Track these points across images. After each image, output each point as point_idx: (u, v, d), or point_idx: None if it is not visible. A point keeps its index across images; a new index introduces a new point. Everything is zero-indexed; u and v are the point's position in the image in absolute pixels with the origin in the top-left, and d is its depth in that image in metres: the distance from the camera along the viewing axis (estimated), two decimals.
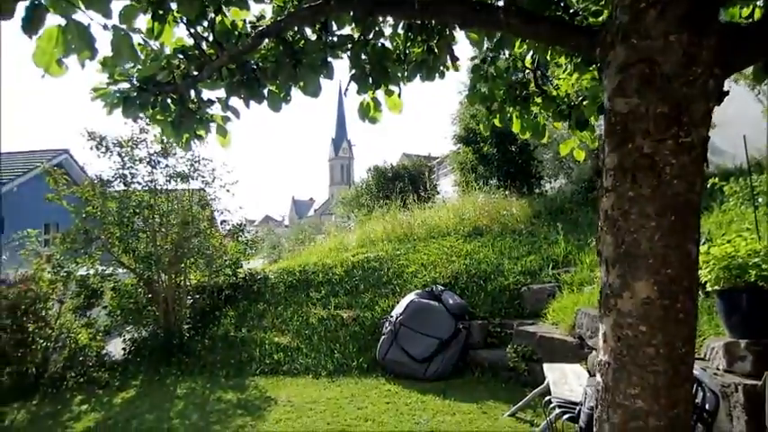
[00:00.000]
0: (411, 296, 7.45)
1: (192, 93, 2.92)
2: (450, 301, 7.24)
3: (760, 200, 5.21)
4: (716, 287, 3.46)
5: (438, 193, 16.03)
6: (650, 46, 1.38)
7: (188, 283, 8.42)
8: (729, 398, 3.16)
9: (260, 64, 2.77)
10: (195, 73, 2.80)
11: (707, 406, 2.88)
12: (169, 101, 2.95)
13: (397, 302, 7.61)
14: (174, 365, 7.32)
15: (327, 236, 12.24)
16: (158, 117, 2.95)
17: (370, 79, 2.49)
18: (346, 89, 2.54)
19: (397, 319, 7.06)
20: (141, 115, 2.91)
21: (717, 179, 5.41)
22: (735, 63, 1.43)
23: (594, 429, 1.53)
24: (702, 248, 3.70)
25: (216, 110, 2.97)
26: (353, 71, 2.53)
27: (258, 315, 8.51)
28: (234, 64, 2.73)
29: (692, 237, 1.39)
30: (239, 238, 9.61)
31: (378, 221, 11.36)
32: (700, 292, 4.18)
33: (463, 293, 7.83)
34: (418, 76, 3.04)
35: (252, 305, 8.83)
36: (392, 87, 2.59)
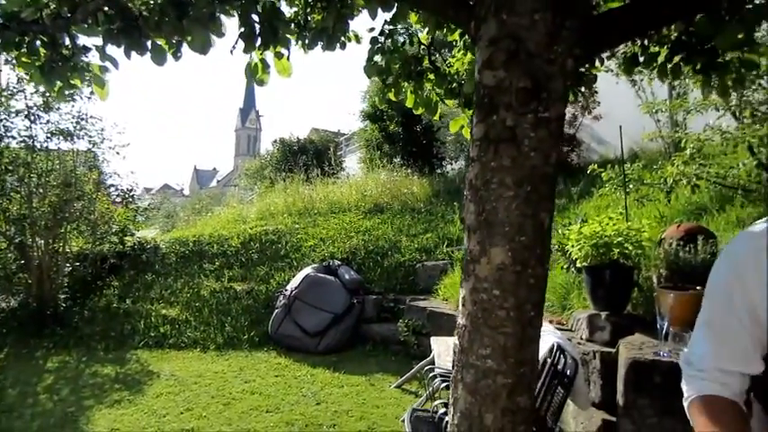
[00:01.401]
0: (307, 270, 7.42)
1: (66, 37, 2.69)
2: (347, 276, 7.30)
3: (631, 186, 5.68)
4: (584, 263, 3.74)
5: (343, 169, 16.00)
6: (517, 22, 1.43)
7: (68, 250, 7.83)
8: (588, 364, 3.45)
9: (143, 12, 2.59)
10: (68, 15, 2.57)
11: (567, 372, 3.11)
12: (39, 43, 2.69)
13: (294, 276, 7.56)
14: (46, 338, 6.82)
15: (226, 207, 11.86)
16: (24, 60, 2.69)
17: (259, 39, 2.40)
18: (233, 48, 2.44)
19: (291, 292, 7.01)
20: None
21: (596, 166, 5.81)
22: (596, 45, 1.52)
23: (450, 389, 1.60)
24: (576, 228, 3.99)
25: (94, 58, 2.76)
26: (242, 29, 2.42)
27: (145, 286, 8.11)
28: (112, 9, 2.54)
29: (545, 207, 1.47)
30: (129, 205, 9.07)
31: (279, 194, 11.17)
32: (572, 268, 4.51)
33: (360, 269, 7.92)
34: (319, 44, 2.98)
35: (139, 275, 8.40)
36: (282, 50, 2.51)
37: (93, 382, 5.52)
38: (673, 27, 2.43)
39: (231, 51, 2.44)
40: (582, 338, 3.67)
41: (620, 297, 3.62)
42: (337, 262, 7.78)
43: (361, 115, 14.37)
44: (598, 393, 3.33)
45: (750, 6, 2.19)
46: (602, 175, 5.78)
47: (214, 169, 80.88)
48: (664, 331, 2.85)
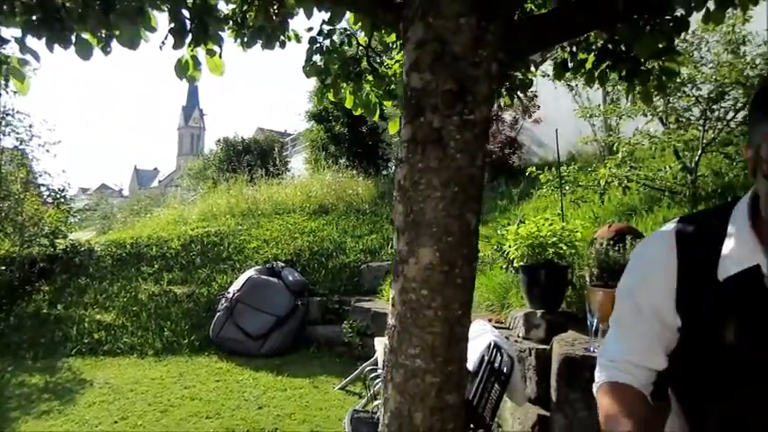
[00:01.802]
0: (250, 272, 7.30)
1: None
2: (290, 278, 7.22)
3: (567, 188, 5.88)
4: (521, 263, 3.84)
5: (289, 169, 15.83)
6: (443, 26, 1.45)
7: None
8: (525, 361, 3.54)
9: (66, 4, 2.47)
10: None
11: (504, 369, 3.18)
12: None
13: (236, 278, 7.41)
14: None
15: (167, 208, 11.52)
16: None
17: (190, 36, 2.34)
18: (162, 44, 2.36)
19: (233, 295, 6.88)
20: None
21: (534, 168, 5.98)
22: (518, 50, 1.55)
23: (381, 390, 1.61)
24: (513, 228, 4.09)
25: (13, 50, 2.62)
26: (172, 25, 2.35)
27: (79, 290, 7.76)
28: None
29: (472, 208, 1.50)
30: (61, 206, 8.65)
31: (222, 195, 10.93)
32: (510, 268, 4.62)
33: (304, 270, 7.86)
34: (258, 43, 2.94)
35: (72, 280, 8.03)
36: (214, 47, 2.46)
37: (19, 393, 5.23)
38: (599, 35, 2.53)
39: (161, 47, 2.37)
40: (519, 336, 3.77)
41: (555, 295, 3.74)
42: (281, 264, 7.68)
43: (306, 115, 14.26)
44: (534, 389, 3.42)
45: (668, 18, 2.31)
46: (540, 177, 5.95)
47: (155, 169, 78.39)
48: (594, 327, 2.96)
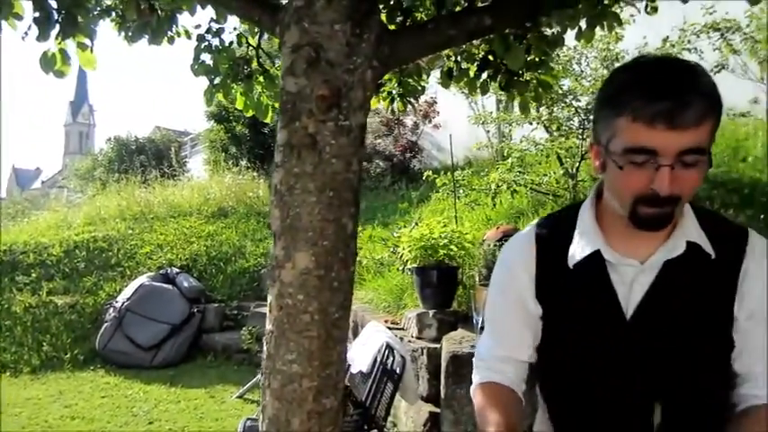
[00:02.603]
0: (142, 279, 6.93)
1: None
2: (186, 284, 6.94)
3: (461, 191, 6.12)
4: (414, 265, 3.94)
5: (187, 171, 15.21)
6: (318, 31, 1.46)
7: None
8: (417, 360, 3.64)
9: None
10: None
11: (397, 369, 3.25)
12: None
13: (126, 286, 7.00)
14: None
15: (48, 211, 10.65)
16: None
17: (57, 27, 2.18)
18: (25, 34, 2.19)
19: (123, 304, 6.50)
20: None
21: (431, 172, 6.17)
22: (393, 59, 1.60)
23: (260, 398, 1.59)
24: (407, 231, 4.20)
25: None
26: (36, 14, 2.18)
27: None
28: None
29: (348, 212, 1.52)
30: None
31: (112, 197, 10.28)
32: (405, 269, 4.73)
33: (201, 276, 7.58)
34: (145, 38, 2.80)
35: None
36: (85, 41, 2.31)
37: None
38: (480, 46, 2.67)
39: (23, 38, 2.19)
40: (412, 336, 3.87)
41: (446, 295, 3.87)
42: (176, 270, 7.36)
43: (206, 115, 13.76)
44: (426, 388, 3.52)
45: (543, 33, 2.48)
46: (437, 180, 6.15)
47: (38, 169, 72.26)
48: (479, 325, 3.09)
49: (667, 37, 5.72)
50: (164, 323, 6.46)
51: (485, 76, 2.73)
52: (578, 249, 1.14)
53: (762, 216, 4.78)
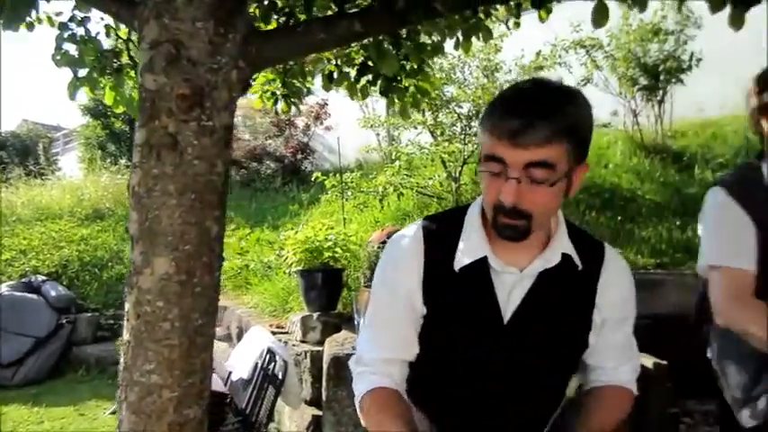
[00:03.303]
0: (1, 289, 6.28)
1: None
2: (53, 293, 6.38)
3: (350, 193, 6.17)
4: (299, 267, 3.91)
5: (59, 169, 13.99)
6: (179, 28, 1.41)
7: None
8: (301, 364, 3.61)
9: None
10: None
11: (278, 374, 3.20)
12: None
13: None
14: None
15: None
16: None
17: None
18: None
19: None
20: None
21: (320, 174, 6.16)
22: (262, 60, 1.58)
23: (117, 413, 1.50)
24: (292, 233, 4.16)
25: None
26: None
27: None
28: None
29: (212, 215, 1.48)
30: None
31: None
32: (291, 272, 4.68)
33: (72, 284, 7.01)
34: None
35: None
36: None
37: None
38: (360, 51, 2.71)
39: None
40: (297, 340, 3.83)
41: (331, 298, 3.88)
42: (41, 278, 6.73)
43: (81, 109, 12.75)
44: (309, 391, 3.50)
45: (412, 41, 2.57)
46: (326, 183, 6.15)
47: None
48: (360, 327, 3.14)
49: (540, 51, 6.14)
50: (27, 336, 5.89)
51: (364, 80, 2.77)
52: (465, 254, 1.19)
53: (619, 218, 5.29)
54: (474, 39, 2.70)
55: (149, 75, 1.41)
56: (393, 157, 6.79)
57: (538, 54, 6.10)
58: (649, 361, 3.09)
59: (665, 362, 3.12)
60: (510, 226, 1.08)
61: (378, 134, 8.70)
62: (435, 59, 5.77)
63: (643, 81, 6.18)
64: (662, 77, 6.11)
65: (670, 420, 3.17)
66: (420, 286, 1.21)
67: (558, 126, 1.03)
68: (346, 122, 9.39)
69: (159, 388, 1.43)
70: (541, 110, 1.03)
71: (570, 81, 6.40)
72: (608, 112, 6.61)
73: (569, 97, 1.08)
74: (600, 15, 1.74)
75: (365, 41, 2.24)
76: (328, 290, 3.83)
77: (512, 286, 1.18)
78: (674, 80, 6.14)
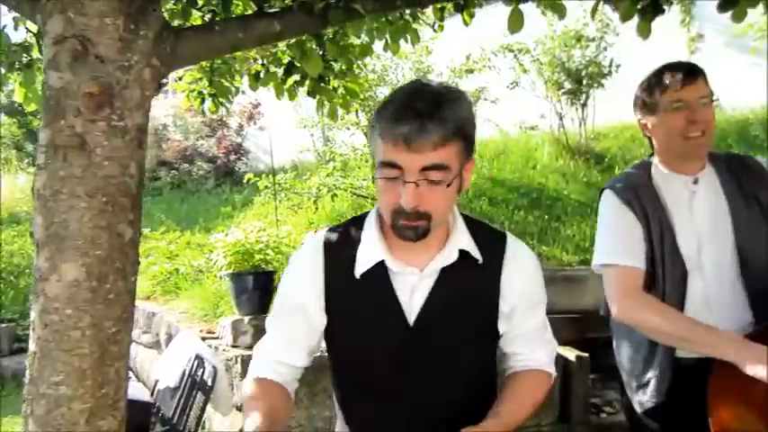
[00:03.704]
0: None
1: None
2: None
3: (283, 195, 6.10)
4: (229, 271, 3.83)
5: None
6: (86, 23, 1.35)
7: None
8: (231, 369, 3.53)
9: None
10: None
11: (208, 380, 3.12)
12: None
13: None
14: None
15: None
16: None
17: None
18: None
19: None
20: None
21: (252, 175, 6.06)
22: (177, 58, 1.53)
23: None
24: (222, 237, 4.06)
25: None
26: None
27: None
28: None
29: (125, 218, 1.42)
30: None
31: None
32: (223, 276, 4.57)
33: None
34: None
35: None
36: None
37: None
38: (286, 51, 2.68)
39: None
40: (227, 345, 3.74)
41: (262, 301, 3.82)
42: None
43: None
44: (241, 396, 3.43)
45: (338, 42, 2.57)
46: (259, 184, 6.06)
47: None
48: None
49: (470, 54, 6.30)
50: None
51: (292, 80, 2.75)
52: (364, 260, 1.21)
53: (546, 217, 5.50)
54: (405, 41, 2.74)
55: (54, 72, 1.35)
56: (328, 159, 6.79)
57: (468, 57, 6.25)
58: (572, 354, 3.23)
59: (586, 354, 3.26)
60: (410, 227, 1.11)
61: (312, 135, 8.65)
62: (368, 61, 5.82)
63: (567, 85, 6.46)
64: (585, 82, 6.42)
65: (592, 410, 3.33)
66: (321, 296, 1.24)
67: (450, 128, 1.06)
68: (281, 123, 9.28)
69: (69, 400, 1.36)
70: (432, 113, 1.05)
71: (499, 84, 6.62)
72: (536, 114, 6.87)
73: (455, 98, 1.11)
74: (515, 21, 1.80)
75: (290, 41, 2.22)
76: (260, 293, 3.76)
77: (413, 287, 1.21)
78: (595, 85, 6.45)
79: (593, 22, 6.03)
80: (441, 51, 6.49)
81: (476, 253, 1.22)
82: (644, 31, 2.25)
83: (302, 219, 6.17)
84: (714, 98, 1.60)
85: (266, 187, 6.04)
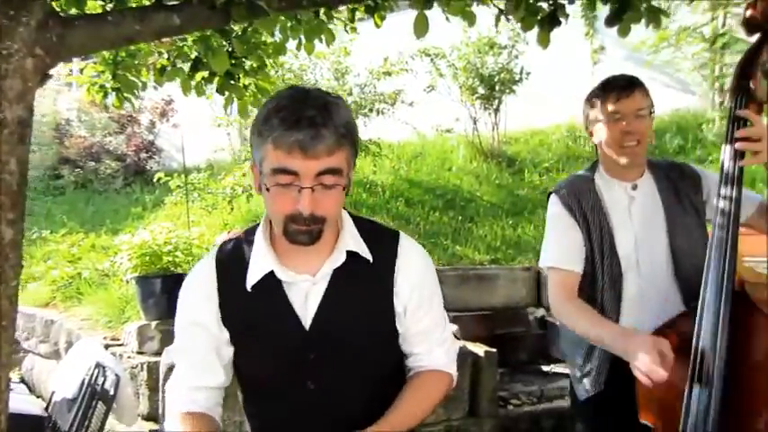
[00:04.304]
0: None
1: None
2: None
3: (197, 195, 5.90)
4: (135, 274, 3.65)
5: None
6: None
7: None
8: (137, 377, 3.38)
9: None
10: None
11: (110, 389, 2.96)
12: None
13: None
14: None
15: None
16: None
17: None
18: None
19: None
20: None
21: (164, 174, 5.81)
22: (65, 49, 1.45)
23: None
24: (128, 239, 3.87)
25: None
26: None
27: None
28: None
29: (5, 218, 1.32)
30: None
31: None
32: (131, 279, 4.35)
33: None
34: None
35: None
36: None
37: None
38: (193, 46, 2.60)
39: None
40: (132, 351, 3.57)
41: (171, 305, 3.66)
42: None
43: None
44: (146, 405, 3.29)
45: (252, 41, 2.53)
46: (170, 183, 5.83)
47: None
48: None
49: (388, 57, 6.37)
50: None
51: (200, 76, 2.67)
52: (255, 271, 1.21)
53: (460, 217, 5.67)
54: (320, 41, 2.73)
55: None
56: (244, 158, 6.63)
57: (385, 60, 6.33)
58: (481, 350, 3.34)
59: (494, 350, 3.39)
60: (303, 232, 1.12)
61: (229, 134, 8.42)
62: (286, 59, 5.75)
63: (481, 90, 6.68)
64: (497, 88, 6.66)
65: (500, 403, 3.46)
66: (217, 312, 1.23)
67: (340, 133, 1.08)
68: (196, 120, 8.96)
69: None
70: (325, 119, 1.06)
71: (416, 87, 6.75)
72: (451, 118, 7.05)
73: (339, 104, 1.13)
74: (420, 26, 1.84)
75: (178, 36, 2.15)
76: (167, 297, 3.61)
77: (307, 293, 1.21)
78: (507, 91, 6.71)
79: (496, 30, 6.27)
80: (359, 53, 6.54)
81: (365, 253, 1.23)
82: (543, 42, 2.38)
83: (217, 219, 5.99)
84: (649, 111, 1.70)
85: (178, 187, 5.82)
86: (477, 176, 6.54)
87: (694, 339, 1.42)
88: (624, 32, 1.93)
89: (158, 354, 3.46)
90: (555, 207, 1.79)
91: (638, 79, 1.74)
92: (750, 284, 1.48)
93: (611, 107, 1.69)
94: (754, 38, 1.59)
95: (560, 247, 1.76)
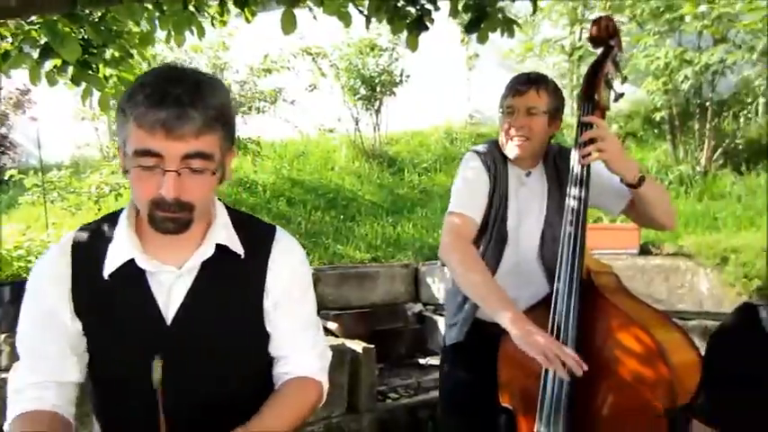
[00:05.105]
0: None
1: None
2: None
3: (57, 194, 5.42)
4: None
5: None
6: None
7: None
8: None
9: None
10: None
11: None
12: None
13: None
14: None
15: None
16: None
17: None
18: None
19: None
20: None
21: (16, 172, 5.28)
22: None
23: None
24: None
25: None
26: None
27: None
28: None
29: None
30: None
31: None
32: None
33: None
34: None
35: None
36: None
37: None
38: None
39: None
40: None
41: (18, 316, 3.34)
42: None
43: None
44: None
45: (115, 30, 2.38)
46: (25, 182, 5.31)
47: None
48: None
49: (268, 54, 6.27)
50: None
51: (51, 64, 2.47)
52: (113, 259, 1.12)
53: (342, 216, 5.71)
54: (191, 33, 2.63)
55: None
56: (113, 155, 6.20)
57: (266, 57, 6.22)
58: (359, 346, 3.39)
59: (372, 345, 3.45)
60: (170, 219, 1.04)
61: (97, 128, 7.82)
62: (159, 51, 5.45)
63: (363, 91, 6.78)
64: (378, 89, 6.80)
65: (378, 398, 3.53)
66: (69, 301, 1.13)
67: (211, 115, 1.02)
68: (59, 113, 8.21)
69: None
70: (194, 99, 1.00)
71: (298, 86, 6.70)
72: (334, 117, 7.08)
73: (214, 84, 1.07)
74: (287, 23, 1.83)
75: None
76: (17, 306, 3.27)
77: (170, 285, 1.14)
78: (388, 92, 6.87)
79: (367, 30, 6.40)
80: (239, 49, 6.36)
81: (237, 247, 1.17)
82: (413, 45, 2.47)
83: (81, 221, 5.49)
84: (544, 110, 1.79)
85: (35, 186, 5.30)
86: (358, 176, 6.63)
87: (550, 321, 1.58)
88: (483, 39, 2.05)
89: (7, 370, 3.12)
90: (474, 162, 1.87)
91: (544, 80, 1.84)
92: (595, 273, 1.67)
93: (507, 101, 1.81)
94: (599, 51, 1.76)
95: (472, 196, 1.84)
